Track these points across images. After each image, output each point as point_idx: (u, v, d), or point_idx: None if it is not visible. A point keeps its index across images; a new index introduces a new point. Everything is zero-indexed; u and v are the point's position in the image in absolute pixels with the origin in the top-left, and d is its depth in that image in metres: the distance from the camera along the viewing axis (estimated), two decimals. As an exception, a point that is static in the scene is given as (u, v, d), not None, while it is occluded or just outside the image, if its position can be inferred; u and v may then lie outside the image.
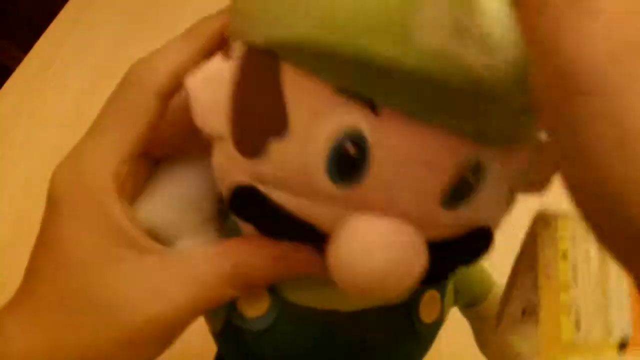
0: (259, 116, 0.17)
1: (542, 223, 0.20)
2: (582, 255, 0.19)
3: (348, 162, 0.16)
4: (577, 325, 0.19)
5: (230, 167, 0.18)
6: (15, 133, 0.57)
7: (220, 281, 0.18)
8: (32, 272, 0.20)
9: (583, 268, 0.19)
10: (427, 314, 0.22)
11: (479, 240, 0.18)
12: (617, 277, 0.19)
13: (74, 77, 0.63)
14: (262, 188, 0.17)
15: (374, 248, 0.16)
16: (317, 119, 0.16)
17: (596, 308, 0.19)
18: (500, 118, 0.16)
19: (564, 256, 0.19)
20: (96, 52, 0.67)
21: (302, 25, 0.15)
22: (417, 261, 0.16)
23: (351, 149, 0.15)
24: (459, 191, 0.17)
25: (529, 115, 0.16)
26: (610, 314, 0.19)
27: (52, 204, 0.19)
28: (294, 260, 0.19)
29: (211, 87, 0.17)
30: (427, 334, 0.23)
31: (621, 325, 0.19)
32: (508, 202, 0.19)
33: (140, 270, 0.18)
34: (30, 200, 0.50)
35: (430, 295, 0.22)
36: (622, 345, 0.19)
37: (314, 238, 0.17)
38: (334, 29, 0.14)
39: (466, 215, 0.17)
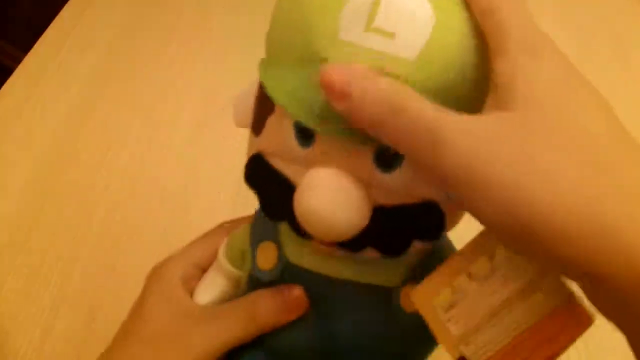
0: (262, 106, 0.24)
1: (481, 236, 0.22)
2: (514, 261, 0.21)
3: (304, 130, 0.22)
4: (449, 309, 0.22)
5: (250, 148, 0.26)
6: (15, 133, 0.57)
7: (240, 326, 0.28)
8: (120, 331, 0.30)
9: (505, 274, 0.21)
10: (405, 303, 0.25)
11: (426, 212, 0.22)
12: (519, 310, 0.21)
13: (73, 78, 0.63)
14: (264, 157, 0.24)
15: (316, 187, 0.21)
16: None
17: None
18: None
19: (489, 258, 0.22)
20: (96, 52, 0.67)
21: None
22: (353, 199, 0.21)
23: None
24: (387, 154, 0.21)
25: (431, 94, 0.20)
26: (497, 321, 0.21)
27: (144, 290, 0.31)
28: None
29: (244, 99, 0.26)
30: (406, 324, 0.25)
31: (482, 345, 0.21)
32: None
33: (184, 329, 0.28)
34: (29, 200, 0.50)
35: (412, 287, 0.24)
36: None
37: (287, 191, 0.23)
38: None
39: (402, 181, 0.22)
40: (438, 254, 0.25)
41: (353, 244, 0.23)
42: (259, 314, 0.27)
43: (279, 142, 0.23)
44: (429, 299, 0.23)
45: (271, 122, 0.24)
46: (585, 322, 0.19)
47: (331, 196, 0.21)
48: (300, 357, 0.28)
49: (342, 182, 0.21)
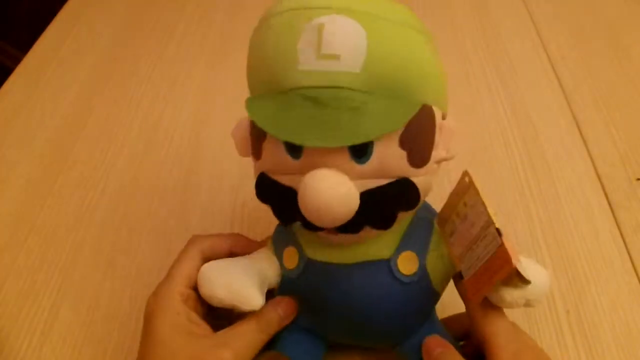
0: (256, 135, 0.30)
1: (463, 180, 0.28)
2: (474, 210, 0.28)
3: (291, 145, 0.27)
4: (452, 235, 0.30)
5: (255, 172, 0.30)
6: (15, 133, 0.57)
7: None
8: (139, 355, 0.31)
9: (471, 219, 0.28)
10: (404, 267, 0.31)
11: (402, 186, 0.28)
12: (485, 243, 0.28)
13: (73, 77, 0.63)
14: (268, 175, 0.29)
15: (312, 186, 0.26)
16: None
17: (465, 242, 0.29)
18: (349, 105, 0.25)
19: (464, 204, 0.29)
20: (96, 52, 0.67)
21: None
22: (344, 188, 0.26)
23: None
24: (359, 148, 0.26)
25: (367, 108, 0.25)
26: (473, 251, 0.29)
27: (148, 322, 0.31)
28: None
29: (239, 134, 0.31)
30: (408, 285, 0.31)
31: (467, 265, 0.29)
32: (413, 162, 0.28)
33: (189, 347, 0.30)
34: (29, 200, 0.50)
35: (406, 255, 0.31)
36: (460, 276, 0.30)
37: (292, 197, 0.27)
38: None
39: (375, 165, 0.27)
40: (420, 224, 0.32)
41: (352, 227, 0.28)
42: (269, 326, 0.32)
43: (275, 160, 0.28)
44: (442, 227, 0.31)
45: (266, 146, 0.29)
46: (509, 263, 0.26)
47: (326, 190, 0.26)
48: (331, 327, 0.33)
49: (332, 177, 0.26)
